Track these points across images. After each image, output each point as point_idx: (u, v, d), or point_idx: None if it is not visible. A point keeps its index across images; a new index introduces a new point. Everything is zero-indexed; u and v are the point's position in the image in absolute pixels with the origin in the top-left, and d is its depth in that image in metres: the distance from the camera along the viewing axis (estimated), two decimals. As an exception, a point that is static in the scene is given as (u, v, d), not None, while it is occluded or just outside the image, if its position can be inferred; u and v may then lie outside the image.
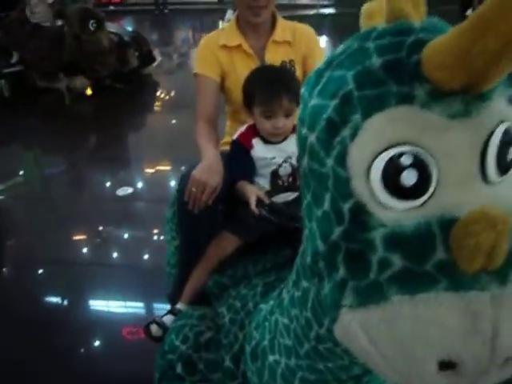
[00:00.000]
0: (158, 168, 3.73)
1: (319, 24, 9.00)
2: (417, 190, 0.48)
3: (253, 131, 1.33)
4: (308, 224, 0.61)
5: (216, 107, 1.52)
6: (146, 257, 2.63)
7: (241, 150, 1.33)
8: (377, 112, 0.48)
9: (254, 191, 1.24)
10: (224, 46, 1.51)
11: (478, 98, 0.47)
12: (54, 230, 2.84)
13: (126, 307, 2.28)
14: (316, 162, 0.55)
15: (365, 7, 0.61)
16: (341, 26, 6.50)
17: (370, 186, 0.50)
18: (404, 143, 0.47)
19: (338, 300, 0.53)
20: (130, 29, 7.31)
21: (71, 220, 2.97)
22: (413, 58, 0.48)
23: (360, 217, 0.51)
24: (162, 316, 1.39)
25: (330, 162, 0.53)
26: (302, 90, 0.61)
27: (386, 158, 0.48)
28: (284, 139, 1.31)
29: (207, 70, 1.52)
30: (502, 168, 0.49)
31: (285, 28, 1.53)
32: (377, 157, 0.48)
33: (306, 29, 1.57)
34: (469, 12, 6.97)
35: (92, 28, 4.91)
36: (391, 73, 0.49)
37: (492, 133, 0.48)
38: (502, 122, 0.48)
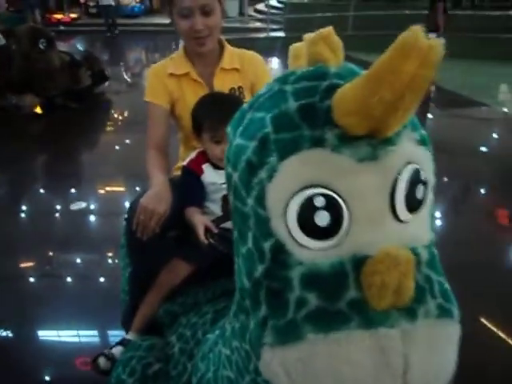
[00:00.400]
0: (110, 185, 3.69)
1: (269, 47, 9.31)
2: (330, 230, 0.50)
3: (203, 157, 1.34)
4: (236, 260, 0.62)
5: (166, 135, 1.53)
6: (100, 280, 2.53)
7: (191, 176, 1.34)
8: (291, 155, 0.51)
9: (202, 220, 1.25)
10: (172, 75, 1.52)
11: (384, 142, 0.50)
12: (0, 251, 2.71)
13: (79, 336, 2.18)
14: (239, 200, 0.57)
15: (292, 48, 0.64)
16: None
17: (287, 226, 0.51)
18: (317, 185, 0.49)
19: (260, 338, 0.54)
20: (81, 48, 7.26)
21: (20, 242, 2.85)
22: (325, 103, 0.51)
23: (280, 255, 0.53)
24: (111, 348, 1.37)
25: (250, 201, 0.54)
26: (228, 129, 0.63)
27: (301, 200, 0.50)
28: None
29: (156, 98, 1.52)
30: (412, 206, 0.52)
31: (232, 55, 1.55)
32: (292, 198, 0.50)
33: (254, 56, 1.60)
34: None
35: (42, 47, 4.85)
36: (305, 117, 0.51)
37: (399, 173, 0.50)
38: (409, 163, 0.51)
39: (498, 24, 9.28)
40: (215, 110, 1.27)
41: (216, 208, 1.34)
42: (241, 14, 11.60)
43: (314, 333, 0.49)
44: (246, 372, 0.75)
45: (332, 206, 0.49)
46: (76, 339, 2.16)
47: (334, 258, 0.50)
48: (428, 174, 0.54)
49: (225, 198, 1.33)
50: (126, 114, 5.66)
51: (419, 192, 0.52)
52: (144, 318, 1.36)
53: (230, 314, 0.84)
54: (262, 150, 0.53)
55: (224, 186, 1.30)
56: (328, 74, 0.54)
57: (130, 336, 1.37)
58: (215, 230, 1.22)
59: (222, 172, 1.29)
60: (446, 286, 0.53)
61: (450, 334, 0.51)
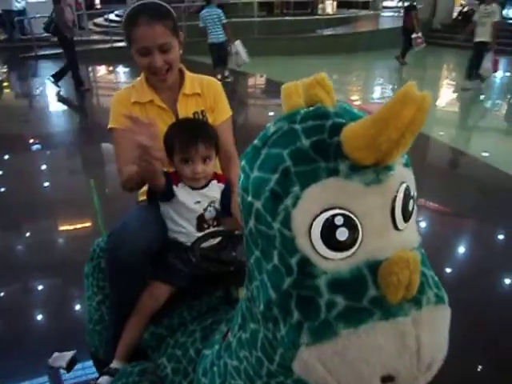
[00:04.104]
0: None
1: (115, 56, 9.62)
2: (348, 243, 0.60)
3: (177, 176, 1.39)
4: (258, 276, 0.70)
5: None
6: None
7: (168, 179, 1.37)
8: (312, 183, 0.61)
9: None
10: (136, 103, 1.56)
11: (385, 168, 0.61)
12: None
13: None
14: (263, 225, 0.66)
15: (284, 87, 0.74)
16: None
17: (311, 243, 0.61)
18: (334, 207, 0.60)
19: (295, 340, 0.62)
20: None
21: None
22: (334, 139, 0.62)
23: (306, 268, 0.62)
24: (97, 378, 1.36)
25: (276, 225, 0.63)
26: (242, 163, 0.72)
27: (323, 220, 0.60)
28: (206, 185, 1.40)
29: (122, 123, 1.52)
30: (406, 217, 0.64)
31: (193, 81, 1.62)
32: (315, 219, 0.60)
33: (211, 80, 1.68)
34: (414, 35, 8.92)
35: None
36: (319, 152, 0.62)
37: (397, 193, 0.62)
38: (402, 182, 0.63)
39: (302, 26, 12.52)
40: (184, 134, 1.35)
41: (191, 227, 1.39)
42: (80, 28, 11.96)
43: (345, 328, 0.58)
44: (258, 377, 0.82)
45: (348, 223, 0.60)
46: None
47: (352, 265, 0.61)
48: (413, 189, 0.66)
49: (201, 218, 1.39)
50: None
51: (410, 205, 0.65)
52: (128, 344, 1.38)
53: (233, 327, 0.92)
54: (284, 180, 0.62)
55: (198, 204, 1.39)
56: (329, 114, 0.65)
57: (116, 364, 1.38)
58: (198, 251, 1.28)
59: (196, 192, 1.39)
60: (436, 278, 0.65)
61: (445, 315, 0.63)
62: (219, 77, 6.57)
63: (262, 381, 0.82)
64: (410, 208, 0.65)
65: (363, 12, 15.52)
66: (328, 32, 12.70)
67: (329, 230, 0.60)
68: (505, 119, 6.76)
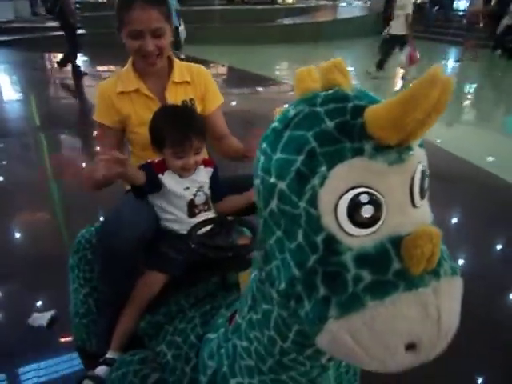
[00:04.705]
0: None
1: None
2: (373, 219, 0.63)
3: (164, 164, 1.38)
4: (280, 255, 0.72)
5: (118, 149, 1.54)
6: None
7: (150, 170, 1.36)
8: (338, 163, 0.63)
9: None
10: (122, 93, 1.53)
11: (406, 148, 0.65)
12: None
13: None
14: (288, 204, 0.67)
15: (297, 72, 0.76)
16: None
17: (337, 220, 0.64)
18: (360, 186, 0.63)
19: (323, 314, 0.65)
20: None
21: None
22: (357, 120, 0.64)
23: (332, 245, 0.65)
24: (94, 369, 1.35)
25: (302, 204, 0.65)
26: (263, 145, 0.73)
27: (349, 198, 0.63)
28: (194, 171, 1.40)
29: (104, 119, 1.54)
30: (422, 195, 0.68)
31: (182, 69, 1.61)
32: (341, 197, 0.63)
33: (202, 69, 1.68)
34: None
35: None
36: (343, 133, 0.64)
37: (415, 171, 0.66)
38: (419, 162, 0.67)
39: (263, 15, 12.67)
40: (177, 127, 1.32)
41: (182, 214, 1.39)
42: (34, 14, 11.56)
43: (372, 300, 0.61)
44: (270, 356, 0.85)
45: (373, 201, 0.63)
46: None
47: (376, 240, 0.64)
48: (427, 169, 0.70)
49: (191, 204, 1.39)
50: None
51: (425, 183, 0.69)
52: (124, 334, 1.37)
53: (242, 309, 0.93)
54: (310, 161, 0.64)
55: (188, 191, 1.39)
56: (349, 97, 0.68)
57: (112, 354, 1.37)
58: (196, 238, 1.28)
59: (182, 180, 1.38)
60: (448, 252, 0.70)
61: (459, 286, 0.67)
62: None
63: (274, 359, 0.85)
64: (426, 186, 0.69)
65: (322, 2, 15.75)
66: (288, 21, 12.81)
67: (355, 207, 0.62)
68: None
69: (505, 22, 10.95)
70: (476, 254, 2.92)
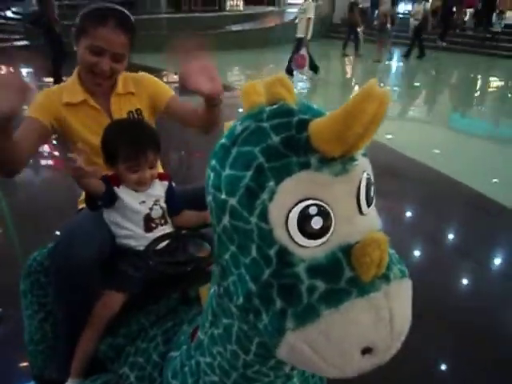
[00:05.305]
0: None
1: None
2: (322, 230, 0.65)
3: (117, 179, 1.35)
4: (235, 271, 0.72)
5: (32, 144, 1.42)
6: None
7: (108, 183, 1.33)
8: (286, 177, 0.65)
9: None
10: (68, 104, 1.50)
11: (350, 159, 0.67)
12: None
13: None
14: (239, 220, 0.68)
15: (244, 87, 0.77)
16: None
17: (288, 233, 0.65)
18: (308, 198, 0.65)
19: (280, 327, 0.66)
20: None
21: None
22: (302, 134, 0.66)
23: (285, 257, 0.66)
24: None
25: (253, 219, 0.66)
26: (212, 162, 0.73)
27: (298, 211, 0.64)
28: (149, 185, 1.38)
29: (38, 114, 1.45)
30: (369, 202, 0.70)
31: (126, 80, 1.59)
32: (290, 211, 0.65)
33: (141, 75, 1.67)
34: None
35: None
36: (289, 147, 0.66)
37: (360, 180, 0.69)
38: (364, 171, 0.70)
39: (211, 22, 12.82)
40: (131, 141, 1.31)
41: (139, 229, 1.36)
42: None
43: (327, 309, 0.63)
44: (234, 370, 0.85)
45: (322, 212, 0.65)
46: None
47: (327, 250, 0.66)
48: (372, 176, 0.73)
49: (148, 218, 1.37)
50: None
51: (371, 191, 0.71)
52: (84, 358, 1.32)
53: (203, 325, 0.92)
54: (259, 176, 0.65)
55: (144, 205, 1.37)
56: (294, 111, 0.69)
57: (72, 382, 1.32)
58: (153, 255, 1.26)
59: (138, 194, 1.36)
60: (397, 255, 0.73)
61: (409, 287, 0.71)
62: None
63: (237, 373, 0.85)
64: (372, 194, 0.71)
65: (269, 8, 16.00)
66: (237, 28, 12.92)
67: (304, 219, 0.64)
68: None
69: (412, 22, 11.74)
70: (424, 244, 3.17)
